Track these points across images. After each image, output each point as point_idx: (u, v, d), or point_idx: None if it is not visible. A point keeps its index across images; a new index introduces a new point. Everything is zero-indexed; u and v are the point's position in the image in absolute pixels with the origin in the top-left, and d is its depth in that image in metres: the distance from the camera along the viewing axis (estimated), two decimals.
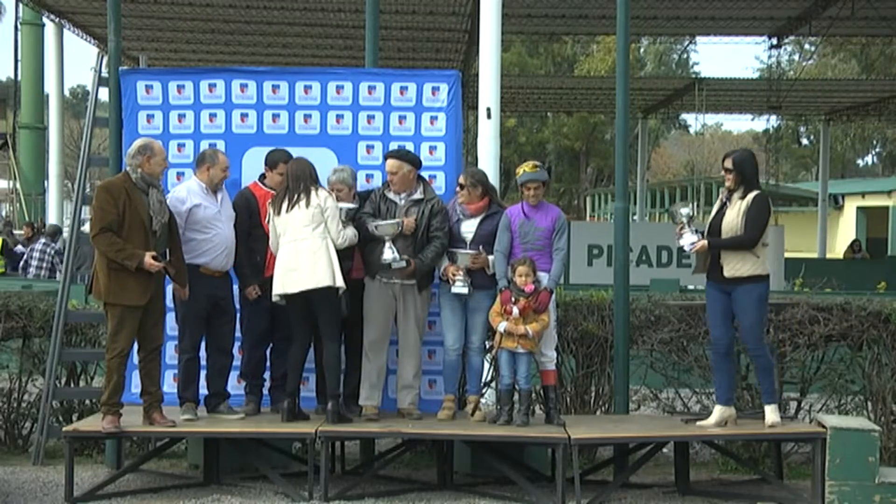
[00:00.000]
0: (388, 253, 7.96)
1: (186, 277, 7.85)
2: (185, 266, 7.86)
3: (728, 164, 7.88)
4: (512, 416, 7.90)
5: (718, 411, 7.89)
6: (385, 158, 8.22)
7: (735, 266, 7.74)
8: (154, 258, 7.50)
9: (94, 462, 8.82)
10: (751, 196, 7.76)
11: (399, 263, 7.96)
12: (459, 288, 7.98)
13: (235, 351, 8.36)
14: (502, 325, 7.85)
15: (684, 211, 7.94)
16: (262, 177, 8.40)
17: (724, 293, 7.82)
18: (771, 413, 7.84)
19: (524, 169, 8.17)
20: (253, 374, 8.36)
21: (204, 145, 8.50)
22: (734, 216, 7.77)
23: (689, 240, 7.86)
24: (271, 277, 8.05)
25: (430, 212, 8.08)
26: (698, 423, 7.96)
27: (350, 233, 7.95)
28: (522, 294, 7.80)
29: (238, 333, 8.36)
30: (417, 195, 8.16)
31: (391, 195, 8.16)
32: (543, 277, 7.96)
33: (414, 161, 8.19)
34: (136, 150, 7.78)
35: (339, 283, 7.75)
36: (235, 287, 8.31)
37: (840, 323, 8.74)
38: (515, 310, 7.80)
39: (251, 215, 8.26)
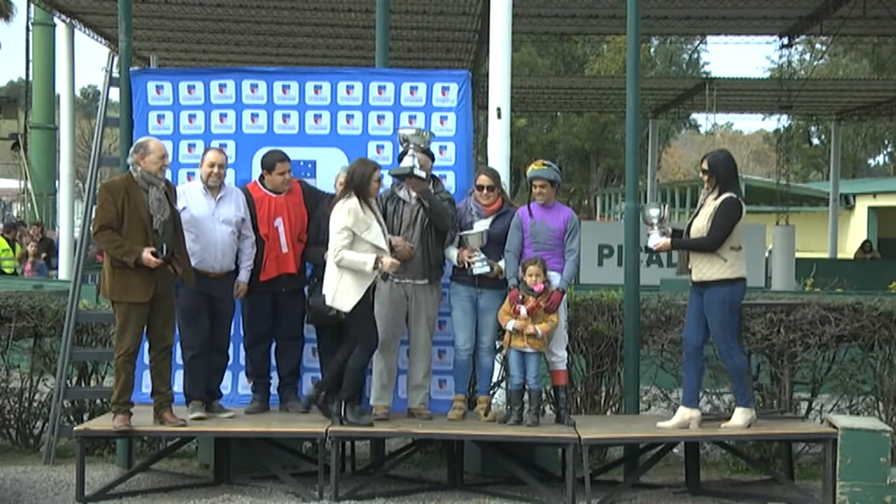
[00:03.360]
0: (409, 160, 7.93)
1: (193, 276, 7.87)
2: (190, 264, 7.89)
3: (704, 165, 7.88)
4: (522, 417, 7.90)
5: (679, 413, 7.86)
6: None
7: (702, 269, 7.73)
8: (153, 254, 7.51)
9: (106, 461, 8.84)
10: (721, 198, 7.71)
11: (420, 172, 7.91)
12: (480, 268, 7.95)
13: (231, 351, 8.40)
14: (511, 324, 7.84)
15: (653, 212, 7.94)
16: (262, 177, 8.41)
17: (699, 294, 7.82)
18: (738, 415, 7.77)
19: (533, 167, 8.18)
20: (256, 372, 8.41)
21: (214, 146, 8.51)
22: (703, 218, 7.76)
23: (654, 240, 7.87)
24: (270, 280, 8.21)
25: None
26: (658, 424, 7.92)
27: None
28: (531, 293, 7.80)
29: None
30: None
31: (402, 193, 8.15)
32: (554, 277, 7.96)
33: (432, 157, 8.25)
34: (133, 149, 7.85)
35: (339, 306, 7.66)
36: None
37: (851, 323, 8.73)
38: (523, 309, 7.80)
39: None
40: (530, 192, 8.15)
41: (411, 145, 7.98)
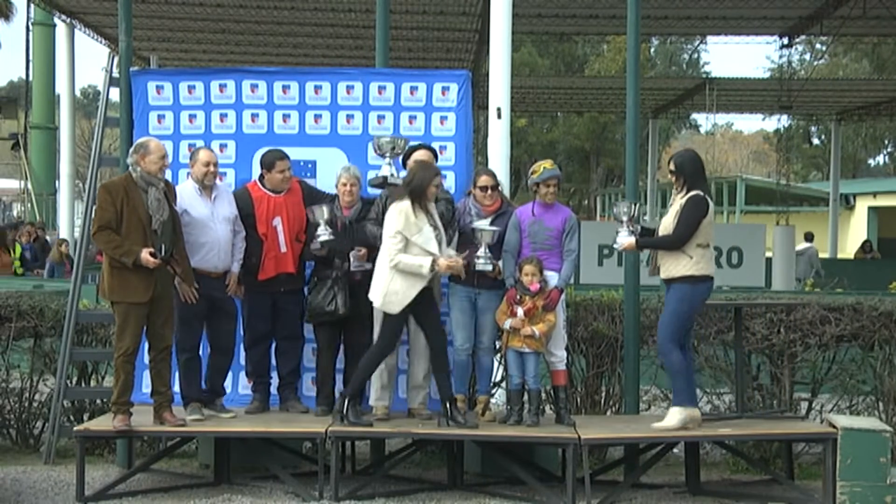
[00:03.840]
0: (386, 169, 8.03)
1: (192, 276, 7.87)
2: (189, 264, 7.88)
3: (671, 166, 7.89)
4: (522, 417, 7.90)
5: (675, 412, 7.80)
6: (416, 149, 8.19)
7: (669, 267, 7.73)
8: (151, 254, 7.52)
9: (106, 461, 8.84)
10: (686, 196, 7.72)
11: (395, 180, 7.98)
12: (484, 265, 7.93)
13: (238, 350, 8.41)
14: (508, 322, 7.83)
15: (623, 209, 7.92)
16: (262, 177, 8.40)
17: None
18: (671, 415, 7.70)
19: (544, 166, 8.12)
20: (255, 372, 8.40)
21: (215, 146, 8.52)
22: (670, 217, 7.76)
23: (620, 240, 7.87)
24: (268, 280, 8.19)
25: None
26: (653, 425, 7.86)
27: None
28: (527, 293, 7.79)
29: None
30: None
31: None
32: (552, 277, 7.94)
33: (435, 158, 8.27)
34: (133, 149, 7.85)
35: (388, 309, 7.65)
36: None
37: (851, 323, 8.73)
38: (520, 311, 7.79)
39: (245, 216, 8.27)
40: (535, 192, 8.11)
41: (386, 153, 7.99)
